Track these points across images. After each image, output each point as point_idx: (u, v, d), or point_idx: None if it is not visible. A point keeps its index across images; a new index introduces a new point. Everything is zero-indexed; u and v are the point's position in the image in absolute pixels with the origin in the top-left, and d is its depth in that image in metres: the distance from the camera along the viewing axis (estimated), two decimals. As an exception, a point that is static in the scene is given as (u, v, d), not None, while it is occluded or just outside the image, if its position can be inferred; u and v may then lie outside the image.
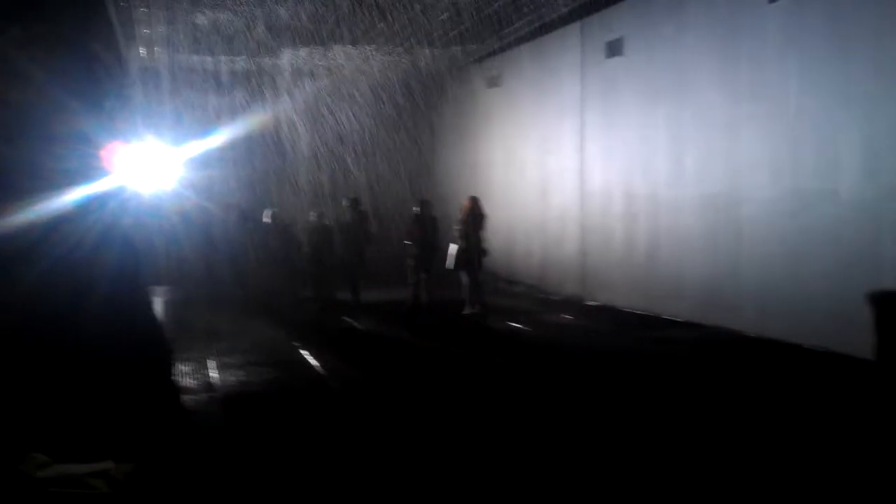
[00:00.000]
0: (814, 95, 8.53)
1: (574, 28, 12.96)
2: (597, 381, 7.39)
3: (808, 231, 8.59)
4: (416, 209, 12.47)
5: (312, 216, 13.57)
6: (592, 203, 12.70)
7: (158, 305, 12.96)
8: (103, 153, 1.48)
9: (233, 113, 16.54)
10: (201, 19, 12.68)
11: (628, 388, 7.08)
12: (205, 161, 15.51)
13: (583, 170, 12.94)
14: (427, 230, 12.25)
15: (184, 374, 7.70)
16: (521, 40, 14.47)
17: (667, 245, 10.95)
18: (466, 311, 11.58)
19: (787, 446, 5.30)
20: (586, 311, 11.83)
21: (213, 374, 7.74)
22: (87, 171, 1.43)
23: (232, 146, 16.28)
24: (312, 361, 8.25)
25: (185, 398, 6.70)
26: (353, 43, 14.32)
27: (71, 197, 1.41)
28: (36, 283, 1.33)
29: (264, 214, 13.89)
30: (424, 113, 18.19)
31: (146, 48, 14.57)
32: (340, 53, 15.05)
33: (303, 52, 14.87)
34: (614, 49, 12.00)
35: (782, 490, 4.53)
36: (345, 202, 13.46)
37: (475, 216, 11.57)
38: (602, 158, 12.48)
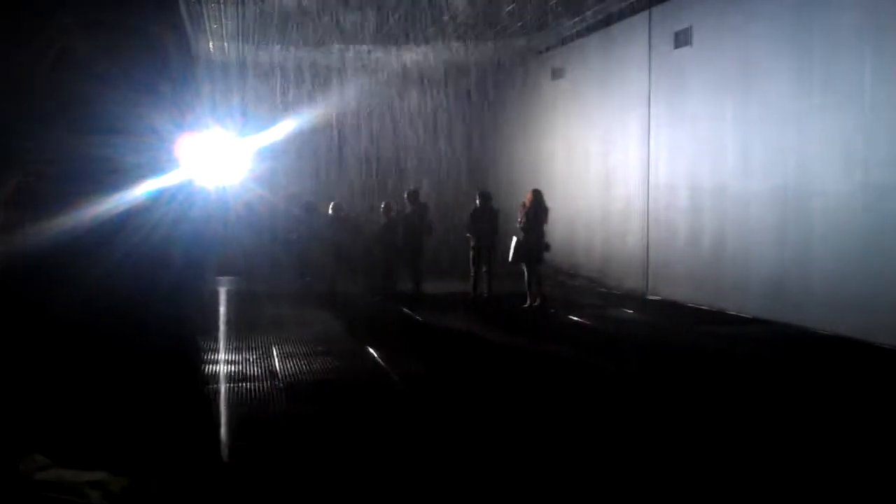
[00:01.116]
0: (890, 86, 8.22)
1: (641, 18, 12.75)
2: (658, 379, 7.28)
3: (881, 226, 8.30)
4: (476, 202, 12.48)
5: (381, 207, 13.65)
6: (657, 196, 12.50)
7: (223, 296, 13.25)
8: (172, 146, 1.51)
9: (297, 106, 16.76)
10: (268, 14, 12.86)
11: (689, 386, 6.96)
12: (270, 153, 15.79)
13: (648, 162, 12.74)
14: (487, 223, 12.25)
15: (248, 362, 7.86)
16: (586, 31, 14.31)
17: (733, 239, 10.71)
18: (527, 304, 11.54)
19: (870, 458, 5.15)
20: (648, 306, 11.66)
21: (277, 362, 7.88)
22: (156, 165, 1.46)
23: (296, 139, 16.52)
24: (373, 352, 8.31)
25: (249, 385, 6.85)
26: (417, 35, 14.35)
27: (139, 190, 1.44)
28: (102, 279, 1.36)
29: (328, 206, 14.05)
30: (487, 105, 18.13)
31: (215, 42, 14.86)
32: (404, 46, 15.09)
33: (366, 44, 14.96)
34: (682, 39, 11.77)
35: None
36: (405, 195, 13.54)
37: (538, 209, 11.52)
38: (668, 150, 12.26)
